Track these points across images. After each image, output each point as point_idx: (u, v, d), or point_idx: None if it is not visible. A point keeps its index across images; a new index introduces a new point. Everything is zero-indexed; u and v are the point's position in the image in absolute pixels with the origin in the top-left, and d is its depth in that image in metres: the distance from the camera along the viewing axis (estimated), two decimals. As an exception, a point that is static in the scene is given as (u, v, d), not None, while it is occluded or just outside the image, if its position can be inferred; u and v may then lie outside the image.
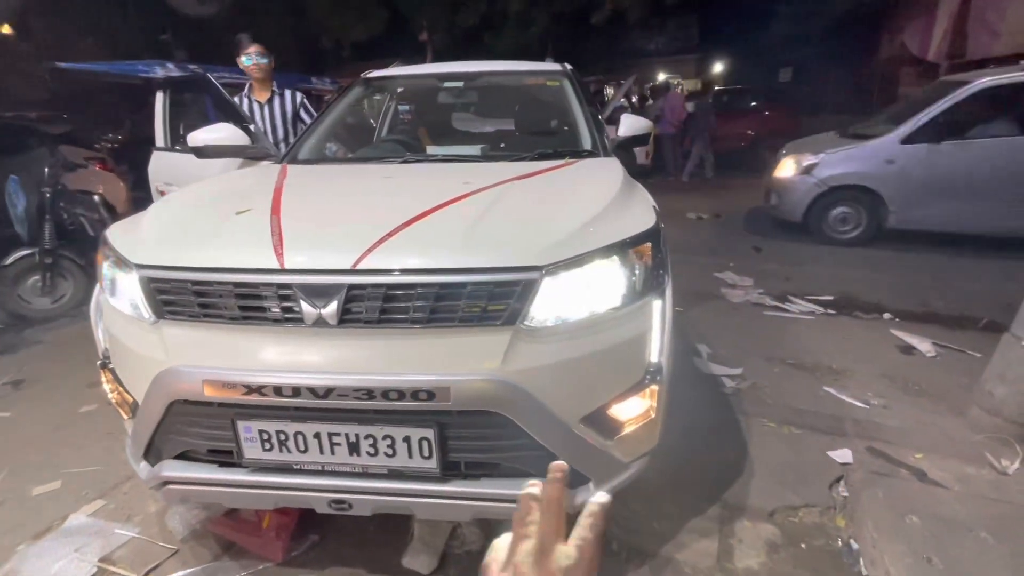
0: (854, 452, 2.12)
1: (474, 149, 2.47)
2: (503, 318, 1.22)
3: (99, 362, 1.54)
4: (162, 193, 3.39)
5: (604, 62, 19.63)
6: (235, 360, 1.26)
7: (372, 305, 1.21)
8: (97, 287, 1.59)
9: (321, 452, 1.28)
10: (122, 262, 1.40)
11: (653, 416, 1.41)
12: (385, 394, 1.19)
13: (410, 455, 1.26)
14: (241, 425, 1.28)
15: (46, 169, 3.79)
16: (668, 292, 1.47)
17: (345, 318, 1.22)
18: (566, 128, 2.59)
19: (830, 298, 3.82)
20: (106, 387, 1.55)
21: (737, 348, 3.08)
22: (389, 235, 1.30)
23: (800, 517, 1.85)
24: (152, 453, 1.41)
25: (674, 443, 1.64)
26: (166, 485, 1.39)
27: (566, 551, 0.37)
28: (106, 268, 1.47)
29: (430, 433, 1.23)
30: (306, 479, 1.31)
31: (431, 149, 2.67)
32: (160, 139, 3.73)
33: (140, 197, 5.15)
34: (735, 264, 4.68)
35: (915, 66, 10.40)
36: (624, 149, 2.40)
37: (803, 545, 1.73)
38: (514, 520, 0.40)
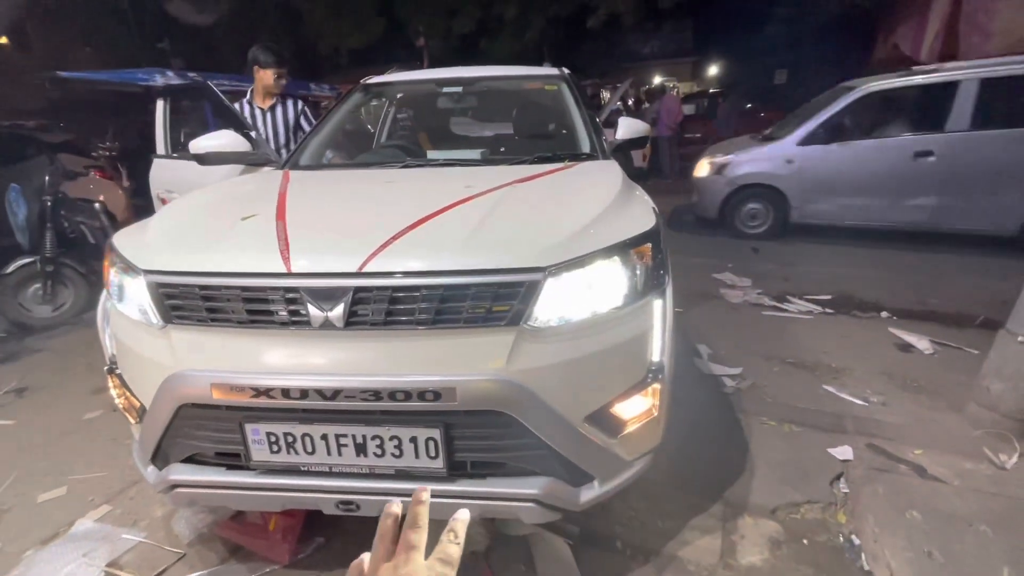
0: (854, 449, 2.14)
1: (474, 153, 2.49)
2: (507, 319, 1.24)
3: (106, 367, 1.55)
4: (163, 200, 3.40)
5: (600, 66, 19.78)
6: (243, 363, 1.28)
7: (378, 307, 1.23)
8: (104, 293, 1.61)
9: (328, 453, 1.30)
10: (129, 268, 1.41)
11: (656, 414, 1.43)
12: (392, 395, 1.20)
13: (417, 455, 1.27)
14: (249, 428, 1.29)
15: (46, 178, 3.81)
16: (669, 292, 1.49)
17: (352, 320, 1.24)
18: (565, 131, 2.62)
19: (828, 297, 3.85)
20: (113, 392, 1.56)
21: (737, 348, 3.10)
22: (394, 238, 1.32)
23: (802, 513, 1.86)
24: (160, 457, 1.42)
25: (676, 442, 1.66)
26: (174, 489, 1.40)
27: (428, 563, 0.40)
28: (113, 274, 1.49)
29: (436, 433, 1.25)
30: (314, 480, 1.33)
31: (431, 154, 2.69)
32: (161, 146, 3.75)
33: (136, 205, 5.18)
34: (733, 265, 4.71)
35: (908, 67, 10.48)
36: (622, 152, 2.43)
37: (805, 541, 1.74)
38: (376, 537, 0.43)
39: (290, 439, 1.29)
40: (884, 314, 3.54)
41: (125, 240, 1.55)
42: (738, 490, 1.97)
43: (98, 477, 2.14)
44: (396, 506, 0.44)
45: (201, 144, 2.34)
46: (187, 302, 1.32)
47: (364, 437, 1.27)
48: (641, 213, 1.57)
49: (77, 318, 3.88)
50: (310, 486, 1.33)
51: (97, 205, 4.24)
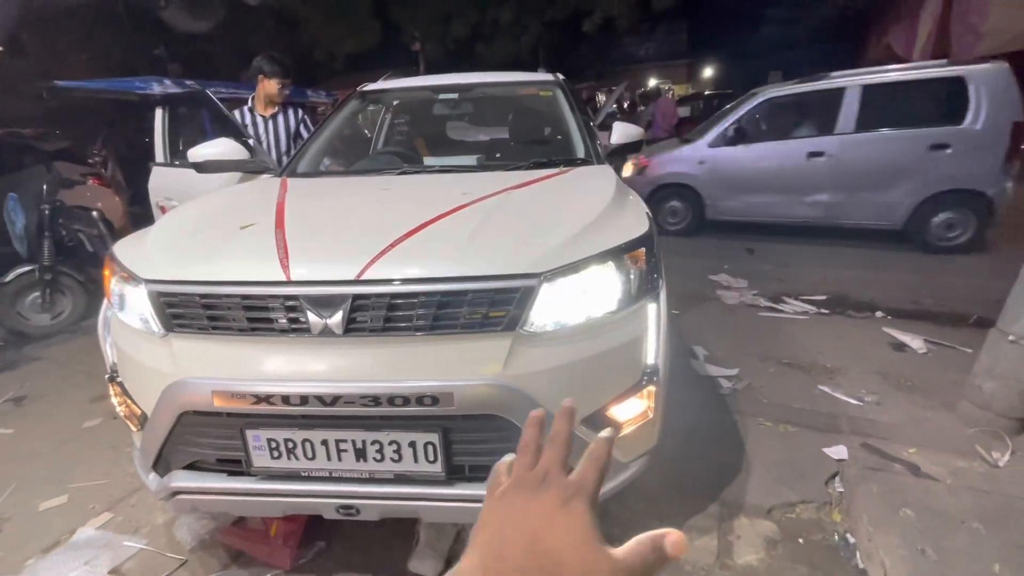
0: (849, 448, 2.17)
1: (470, 159, 2.52)
2: (504, 324, 1.26)
3: (107, 376, 1.57)
4: (163, 208, 3.41)
5: (595, 69, 19.84)
6: (244, 371, 1.30)
7: (377, 314, 1.25)
8: (104, 302, 1.63)
9: (328, 459, 1.31)
10: (130, 277, 1.43)
11: (651, 416, 1.45)
12: (391, 400, 1.22)
13: (416, 459, 1.29)
14: (250, 434, 1.31)
15: (44, 186, 3.82)
16: (663, 295, 1.51)
17: (351, 327, 1.26)
18: (559, 137, 2.65)
19: (823, 298, 3.88)
20: (114, 400, 1.58)
21: (733, 349, 3.13)
22: (392, 246, 1.34)
23: (797, 513, 1.88)
24: (161, 464, 1.44)
25: (673, 444, 1.68)
26: (176, 495, 1.41)
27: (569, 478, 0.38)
28: (114, 283, 1.50)
29: (435, 437, 1.27)
30: (314, 486, 1.34)
31: (428, 160, 2.72)
32: (160, 155, 3.77)
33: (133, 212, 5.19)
34: (729, 266, 4.75)
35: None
36: (617, 156, 2.46)
37: (801, 540, 1.76)
38: (520, 446, 0.41)
39: (290, 445, 1.31)
40: (879, 314, 3.57)
41: (125, 249, 1.57)
42: (734, 490, 1.99)
43: (99, 485, 2.15)
44: (540, 412, 0.44)
45: (199, 152, 2.36)
46: (188, 311, 1.34)
47: (364, 442, 1.29)
48: (635, 218, 1.60)
49: (76, 326, 3.89)
50: (310, 491, 1.35)
51: (95, 213, 4.25)
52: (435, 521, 1.58)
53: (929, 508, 1.75)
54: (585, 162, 2.27)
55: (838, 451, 2.16)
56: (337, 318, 1.25)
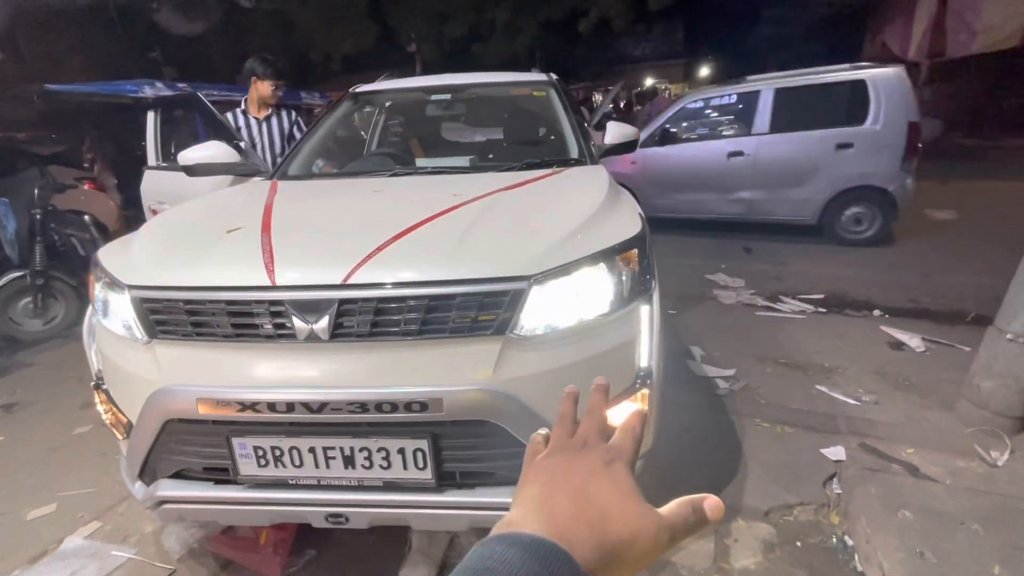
0: (847, 449, 2.15)
1: (463, 160, 2.49)
2: (493, 328, 1.24)
3: (92, 383, 1.54)
4: (155, 212, 3.39)
5: (592, 69, 19.84)
6: (229, 378, 1.27)
7: (363, 319, 1.23)
8: (89, 308, 1.60)
9: (316, 466, 1.29)
10: (114, 283, 1.40)
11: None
12: (378, 406, 1.20)
13: (405, 466, 1.27)
14: (236, 442, 1.28)
15: (36, 191, 3.79)
16: (656, 297, 1.49)
17: (337, 332, 1.23)
18: (553, 137, 2.63)
19: (820, 297, 3.86)
20: (100, 408, 1.55)
21: (730, 349, 3.11)
22: (379, 249, 1.31)
23: (795, 515, 1.86)
24: (147, 473, 1.41)
25: (669, 446, 1.66)
26: (162, 504, 1.39)
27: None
28: (98, 290, 1.48)
29: (424, 444, 1.24)
30: (302, 494, 1.32)
31: (420, 161, 2.69)
32: (152, 158, 3.74)
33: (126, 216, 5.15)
34: (726, 266, 4.73)
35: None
36: (612, 156, 2.43)
37: (798, 543, 1.74)
38: (557, 418, 0.44)
39: (277, 452, 1.29)
40: (876, 312, 3.55)
41: (110, 255, 1.54)
42: (731, 493, 1.97)
43: (88, 493, 2.13)
44: (573, 387, 0.47)
45: (189, 156, 2.33)
46: (172, 317, 1.31)
47: (352, 449, 1.27)
48: (627, 219, 1.57)
49: (68, 331, 3.86)
50: (298, 499, 1.32)
51: (87, 217, 4.22)
52: (425, 528, 1.56)
53: (928, 509, 1.73)
54: (578, 162, 2.24)
55: (836, 452, 2.14)
56: (323, 323, 1.22)
